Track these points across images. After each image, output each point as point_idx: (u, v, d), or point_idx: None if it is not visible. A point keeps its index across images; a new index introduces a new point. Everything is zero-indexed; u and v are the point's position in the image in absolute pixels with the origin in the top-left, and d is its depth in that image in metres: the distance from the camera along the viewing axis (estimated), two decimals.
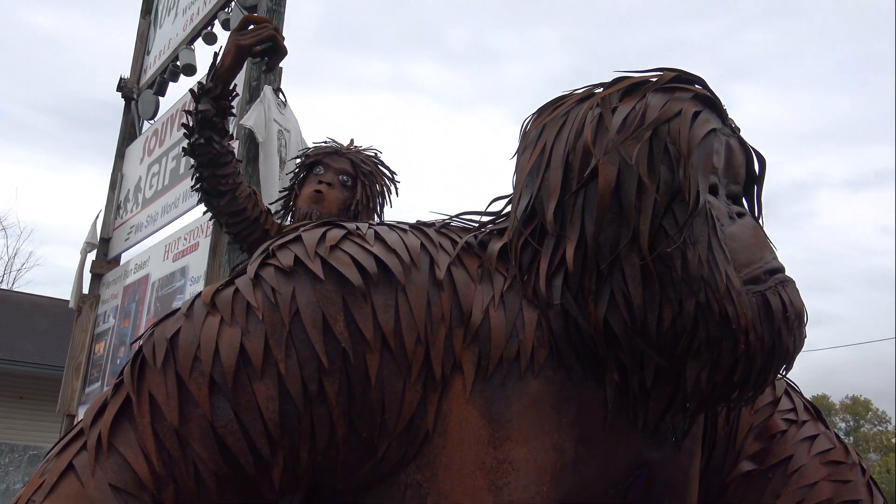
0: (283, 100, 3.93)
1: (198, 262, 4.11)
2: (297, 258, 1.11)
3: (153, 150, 5.23)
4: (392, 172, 2.31)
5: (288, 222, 2.31)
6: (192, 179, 2.13)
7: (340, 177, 2.18)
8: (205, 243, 4.08)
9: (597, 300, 1.09)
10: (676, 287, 1.07)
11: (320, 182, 2.16)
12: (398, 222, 1.29)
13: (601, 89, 1.22)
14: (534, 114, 1.31)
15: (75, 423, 1.17)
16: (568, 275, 1.11)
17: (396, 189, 2.32)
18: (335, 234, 1.16)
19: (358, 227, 1.18)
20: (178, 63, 5.08)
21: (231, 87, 2.02)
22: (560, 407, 1.09)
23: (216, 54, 2.02)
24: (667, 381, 1.12)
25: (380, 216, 2.28)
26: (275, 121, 3.76)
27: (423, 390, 1.08)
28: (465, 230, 1.27)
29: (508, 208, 1.32)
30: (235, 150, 3.71)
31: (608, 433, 1.12)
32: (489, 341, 1.09)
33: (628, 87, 1.19)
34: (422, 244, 1.17)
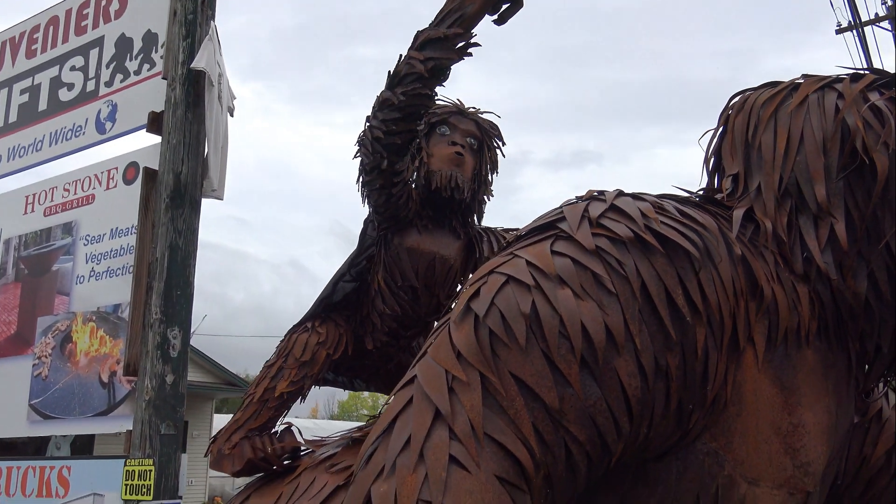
0: (218, 38, 3.46)
1: (95, 218, 3.48)
2: (632, 229, 1.12)
3: None
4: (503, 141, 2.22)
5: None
6: (374, 132, 1.79)
7: (468, 139, 2.06)
8: (107, 197, 3.47)
9: (855, 276, 1.25)
10: None
11: (454, 143, 2.01)
12: (668, 196, 1.32)
13: (839, 83, 1.36)
14: (762, 95, 1.40)
15: (402, 390, 1.07)
16: (834, 252, 1.25)
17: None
18: (645, 205, 1.19)
19: (656, 200, 1.21)
20: None
21: (473, 34, 1.78)
22: (826, 374, 1.24)
23: None
24: None
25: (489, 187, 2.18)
26: (217, 63, 3.31)
27: (727, 361, 1.15)
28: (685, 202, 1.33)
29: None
30: (174, 93, 3.23)
31: (849, 396, 1.30)
32: (777, 314, 1.20)
33: (871, 83, 1.35)
34: (715, 221, 1.23)
